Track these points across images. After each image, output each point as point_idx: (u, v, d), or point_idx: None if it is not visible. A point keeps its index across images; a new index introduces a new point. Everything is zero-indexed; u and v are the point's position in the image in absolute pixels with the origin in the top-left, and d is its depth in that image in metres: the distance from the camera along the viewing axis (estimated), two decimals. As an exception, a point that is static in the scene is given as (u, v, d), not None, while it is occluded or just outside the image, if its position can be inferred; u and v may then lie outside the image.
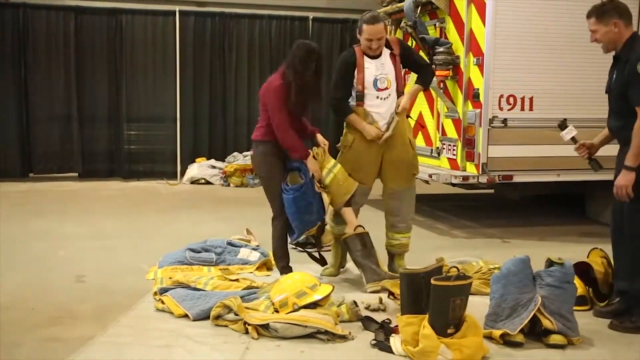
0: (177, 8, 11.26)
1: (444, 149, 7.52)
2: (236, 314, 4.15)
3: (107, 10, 11.11)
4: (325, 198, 5.03)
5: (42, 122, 10.87)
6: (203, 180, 10.92)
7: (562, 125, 4.54)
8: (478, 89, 6.93)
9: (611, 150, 4.48)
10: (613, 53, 4.32)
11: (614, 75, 4.31)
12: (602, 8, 4.23)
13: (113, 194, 9.89)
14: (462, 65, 7.09)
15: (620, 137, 4.29)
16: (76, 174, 11.15)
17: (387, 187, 5.28)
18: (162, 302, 4.50)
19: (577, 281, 4.33)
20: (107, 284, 5.13)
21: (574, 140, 4.46)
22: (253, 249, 5.87)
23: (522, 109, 7.02)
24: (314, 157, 5.00)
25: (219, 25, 11.59)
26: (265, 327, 4.02)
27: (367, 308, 4.49)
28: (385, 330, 4.03)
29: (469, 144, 7.00)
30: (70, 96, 10.94)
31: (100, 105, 11.15)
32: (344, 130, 5.24)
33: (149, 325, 4.21)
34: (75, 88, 10.95)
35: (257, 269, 5.52)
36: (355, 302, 4.39)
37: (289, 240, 5.23)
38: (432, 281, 3.65)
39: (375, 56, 5.06)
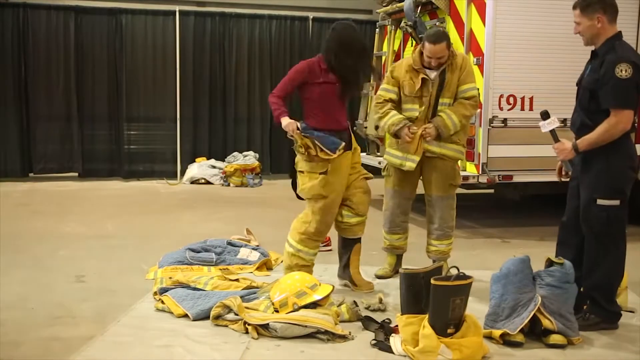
0: (177, 8, 11.25)
1: (444, 149, 7.50)
2: (236, 314, 4.15)
3: (107, 10, 11.11)
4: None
5: (42, 122, 10.87)
6: (203, 180, 10.92)
7: (545, 115, 4.41)
8: (478, 89, 6.90)
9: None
10: (592, 47, 4.31)
11: (588, 70, 4.32)
12: (588, 1, 4.21)
13: (113, 193, 9.89)
14: (462, 65, 7.08)
15: (580, 135, 4.25)
16: (76, 174, 11.15)
17: (426, 194, 5.31)
18: (162, 302, 4.51)
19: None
20: (107, 284, 5.13)
21: (553, 134, 4.36)
22: (253, 248, 5.87)
23: (522, 108, 7.03)
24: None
25: (219, 25, 11.58)
26: (265, 327, 4.02)
27: (367, 308, 4.50)
28: (385, 330, 4.04)
29: (469, 143, 6.99)
30: (70, 96, 10.94)
31: (100, 105, 11.14)
32: None
33: (149, 325, 4.21)
34: (75, 88, 10.95)
35: (257, 268, 5.53)
36: (355, 302, 4.40)
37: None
38: (432, 281, 3.65)
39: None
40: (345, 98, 4.93)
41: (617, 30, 4.24)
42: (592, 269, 4.27)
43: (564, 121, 7.14)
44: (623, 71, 4.04)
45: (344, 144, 4.79)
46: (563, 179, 4.61)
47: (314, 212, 4.89)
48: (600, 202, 4.18)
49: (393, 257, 5.44)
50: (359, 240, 5.09)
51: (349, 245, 5.08)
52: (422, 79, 5.00)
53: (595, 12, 4.17)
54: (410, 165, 5.08)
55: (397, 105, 5.16)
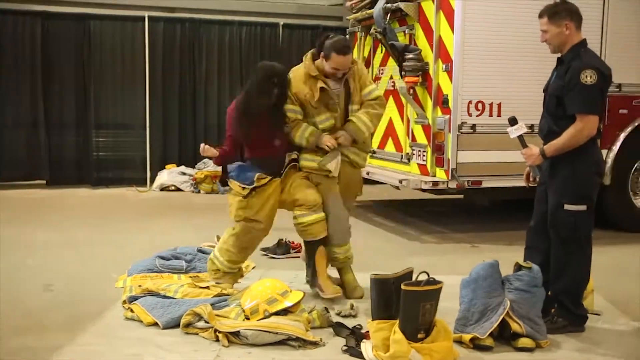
0: (146, 14, 11.17)
1: (414, 154, 7.57)
2: (206, 322, 4.13)
3: (75, 16, 10.97)
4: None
5: (8, 129, 10.68)
6: (173, 187, 10.84)
7: (512, 121, 4.45)
8: (447, 95, 6.99)
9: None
10: (558, 54, 4.39)
11: (553, 77, 4.39)
12: (555, 8, 4.29)
13: (82, 201, 9.78)
14: (431, 72, 7.15)
15: (548, 140, 4.31)
16: (44, 182, 10.99)
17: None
18: (132, 311, 4.47)
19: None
20: (76, 293, 5.07)
21: (521, 139, 4.40)
22: (224, 255, 5.84)
23: (491, 114, 7.10)
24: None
25: (188, 31, 11.54)
26: (236, 334, 4.01)
27: (338, 314, 4.51)
28: (356, 336, 4.05)
29: (439, 149, 7.06)
30: (37, 102, 10.78)
31: (68, 111, 11.00)
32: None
33: (118, 333, 4.17)
34: (42, 94, 10.78)
35: (228, 276, 5.50)
36: (326, 309, 4.41)
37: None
38: (402, 286, 3.68)
39: None
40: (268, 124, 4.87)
41: (582, 38, 4.33)
42: (560, 273, 4.34)
43: (531, 127, 7.28)
44: (588, 77, 4.12)
45: (258, 175, 4.80)
46: (531, 185, 4.67)
47: (234, 229, 4.99)
48: (567, 207, 4.25)
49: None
50: (321, 243, 4.95)
51: (312, 249, 4.98)
52: (321, 87, 4.85)
53: (562, 19, 4.24)
54: (324, 165, 4.95)
55: (307, 119, 5.00)
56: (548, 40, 4.34)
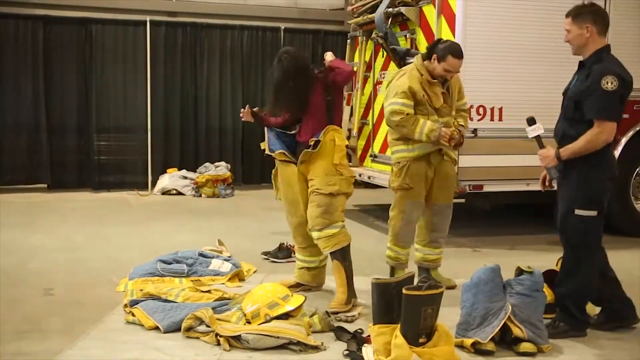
0: (147, 18, 11.18)
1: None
2: (208, 326, 4.13)
3: (77, 20, 10.99)
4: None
5: (9, 133, 10.69)
6: (174, 191, 10.84)
7: (531, 121, 4.46)
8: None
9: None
10: (580, 58, 4.36)
11: (574, 81, 4.37)
12: (579, 10, 4.27)
13: (83, 205, 9.78)
14: (432, 76, 7.14)
15: (563, 144, 4.29)
16: (45, 185, 11.00)
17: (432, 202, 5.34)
18: (133, 315, 4.46)
19: (546, 289, 4.38)
20: (76, 297, 5.06)
21: (538, 140, 4.39)
22: (225, 260, 5.84)
23: (492, 119, 7.10)
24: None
25: (190, 35, 11.54)
26: (237, 338, 4.00)
27: (334, 316, 4.48)
28: (357, 340, 4.04)
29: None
30: (39, 106, 10.78)
31: (70, 115, 11.01)
32: None
33: (119, 338, 4.17)
34: (44, 98, 10.79)
35: (229, 280, 5.50)
36: (327, 313, 4.40)
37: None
38: (404, 291, 3.67)
39: None
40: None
41: (606, 43, 4.29)
42: (566, 277, 4.31)
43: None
44: (609, 83, 4.08)
45: (280, 151, 4.98)
46: (546, 189, 4.60)
47: None
48: (578, 212, 4.20)
49: (403, 272, 5.22)
50: (333, 257, 4.83)
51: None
52: (442, 92, 5.16)
53: (585, 21, 4.22)
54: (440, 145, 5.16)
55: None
56: (570, 41, 4.32)
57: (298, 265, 5.25)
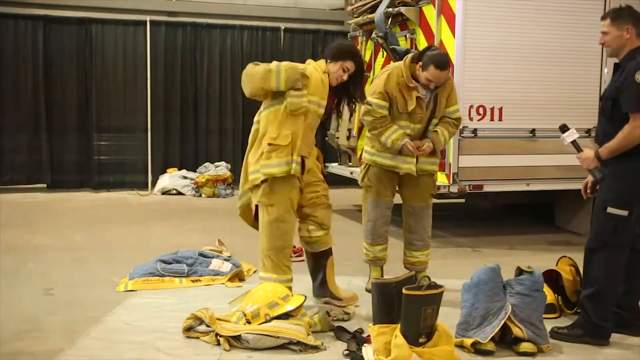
0: (147, 18, 11.18)
1: (415, 159, 7.55)
2: (208, 326, 4.13)
3: (77, 20, 11.00)
4: None
5: (10, 133, 10.71)
6: (174, 191, 10.84)
7: (564, 127, 4.39)
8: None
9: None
10: (614, 60, 4.34)
11: (610, 82, 4.34)
12: (619, 12, 4.24)
13: (83, 205, 9.78)
14: (432, 76, 7.14)
15: (603, 144, 4.22)
16: (45, 185, 11.00)
17: (406, 204, 5.31)
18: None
19: (546, 289, 4.38)
20: (76, 297, 5.06)
21: (575, 144, 4.31)
22: (225, 259, 5.84)
23: (492, 119, 7.11)
24: None
25: (190, 35, 11.55)
26: (237, 338, 4.00)
27: (334, 318, 4.48)
28: (357, 340, 4.04)
29: (440, 154, 7.03)
30: (39, 106, 10.79)
31: (70, 115, 11.01)
32: None
33: (119, 338, 4.16)
34: (43, 98, 10.80)
35: (229, 280, 5.50)
36: (327, 312, 4.39)
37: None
38: (404, 290, 3.67)
39: None
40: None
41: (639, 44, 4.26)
42: (589, 278, 4.26)
43: (533, 131, 7.30)
44: None
45: None
46: (589, 196, 4.51)
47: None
48: (610, 210, 4.13)
49: (377, 270, 5.35)
50: (330, 252, 4.92)
51: (321, 260, 4.88)
52: (417, 97, 4.97)
53: (625, 23, 4.20)
54: (408, 168, 5.06)
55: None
56: (607, 42, 4.28)
57: None
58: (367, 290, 5.13)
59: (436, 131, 5.09)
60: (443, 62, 4.89)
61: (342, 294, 4.84)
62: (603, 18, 4.31)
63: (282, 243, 4.64)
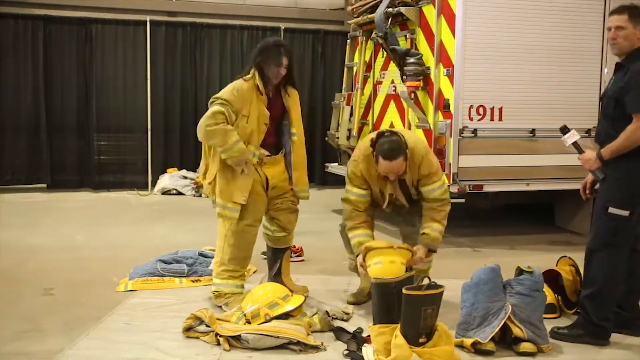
0: (147, 18, 11.18)
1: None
2: (208, 326, 4.13)
3: (77, 20, 10.98)
4: None
5: (9, 133, 10.69)
6: (174, 191, 10.84)
7: (564, 130, 4.35)
8: (448, 100, 6.98)
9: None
10: (611, 60, 4.33)
11: (612, 81, 4.31)
12: (637, 10, 4.16)
13: (82, 205, 9.77)
14: (432, 76, 7.14)
15: (605, 145, 4.21)
16: (45, 185, 11.00)
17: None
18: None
19: (546, 289, 4.38)
20: (76, 297, 5.06)
21: (576, 145, 4.28)
22: (225, 259, 5.83)
23: (492, 119, 7.10)
24: None
25: (190, 35, 11.54)
26: (237, 338, 4.00)
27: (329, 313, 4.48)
28: (357, 340, 4.04)
29: (440, 154, 7.04)
30: (39, 106, 10.78)
31: (70, 115, 11.00)
32: None
33: (119, 338, 4.16)
34: (44, 98, 10.78)
35: (229, 280, 5.49)
36: (327, 313, 4.40)
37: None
38: (404, 291, 3.67)
39: None
40: None
41: None
42: (588, 278, 4.25)
43: (533, 131, 7.30)
44: None
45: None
46: (589, 196, 4.49)
47: None
48: (611, 210, 4.12)
49: (364, 280, 4.90)
50: (288, 249, 5.12)
51: (279, 254, 5.07)
52: (390, 194, 4.60)
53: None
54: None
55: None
56: (620, 37, 4.17)
57: None
58: (349, 303, 4.91)
59: (424, 233, 4.54)
60: (388, 151, 4.32)
61: (293, 287, 4.95)
62: (619, 12, 4.18)
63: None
